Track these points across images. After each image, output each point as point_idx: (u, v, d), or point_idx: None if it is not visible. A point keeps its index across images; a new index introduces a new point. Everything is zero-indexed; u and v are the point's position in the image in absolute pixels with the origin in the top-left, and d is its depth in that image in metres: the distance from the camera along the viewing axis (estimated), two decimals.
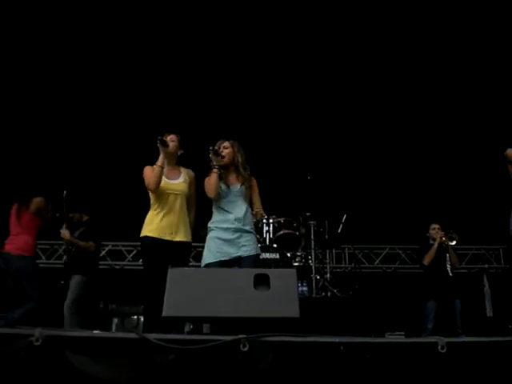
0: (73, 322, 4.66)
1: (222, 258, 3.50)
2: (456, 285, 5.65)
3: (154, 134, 3.72)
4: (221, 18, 6.36)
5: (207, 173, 3.69)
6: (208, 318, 2.31)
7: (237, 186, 3.70)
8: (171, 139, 3.86)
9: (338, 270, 7.95)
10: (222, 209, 3.66)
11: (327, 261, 7.16)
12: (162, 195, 3.76)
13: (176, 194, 3.78)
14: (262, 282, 2.18)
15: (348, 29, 6.53)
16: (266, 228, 5.32)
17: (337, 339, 1.89)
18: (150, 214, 3.79)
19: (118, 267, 7.92)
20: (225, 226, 3.60)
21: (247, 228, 3.64)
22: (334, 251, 7.94)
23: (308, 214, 6.09)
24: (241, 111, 7.00)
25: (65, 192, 4.84)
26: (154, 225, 3.71)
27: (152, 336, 1.79)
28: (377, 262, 8.25)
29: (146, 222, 3.79)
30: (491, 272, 8.00)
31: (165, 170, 3.81)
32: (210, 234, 3.64)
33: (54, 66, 6.66)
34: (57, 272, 5.87)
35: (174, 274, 2.23)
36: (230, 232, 3.57)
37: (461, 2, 6.19)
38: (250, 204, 3.81)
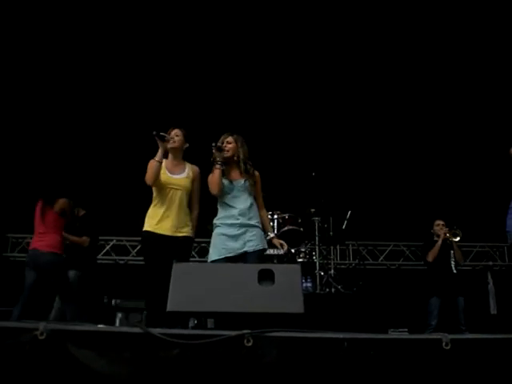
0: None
1: (228, 255, 3.50)
2: (460, 282, 5.63)
3: (158, 128, 3.69)
4: (225, 12, 6.34)
5: (212, 168, 3.67)
6: (212, 313, 2.32)
7: (240, 181, 3.68)
8: (176, 134, 3.83)
9: (342, 266, 7.95)
10: (227, 204, 3.66)
11: (331, 257, 7.17)
12: (162, 190, 3.73)
13: (177, 188, 3.75)
14: (266, 277, 2.18)
15: (354, 23, 6.50)
16: (270, 224, 5.32)
17: (341, 335, 1.89)
18: (151, 209, 3.78)
19: (122, 262, 7.94)
20: (229, 221, 3.59)
21: (253, 222, 3.63)
22: (338, 247, 7.93)
23: (312, 210, 6.09)
24: (246, 106, 6.98)
25: None
26: (154, 220, 3.70)
27: (156, 331, 1.80)
28: (381, 258, 8.24)
29: (147, 216, 3.78)
30: (495, 269, 7.96)
31: (169, 164, 3.81)
32: (216, 231, 3.64)
33: (57, 62, 6.69)
34: None
35: (178, 268, 2.22)
36: (235, 228, 3.57)
37: (461, 2, 6.16)
38: None
